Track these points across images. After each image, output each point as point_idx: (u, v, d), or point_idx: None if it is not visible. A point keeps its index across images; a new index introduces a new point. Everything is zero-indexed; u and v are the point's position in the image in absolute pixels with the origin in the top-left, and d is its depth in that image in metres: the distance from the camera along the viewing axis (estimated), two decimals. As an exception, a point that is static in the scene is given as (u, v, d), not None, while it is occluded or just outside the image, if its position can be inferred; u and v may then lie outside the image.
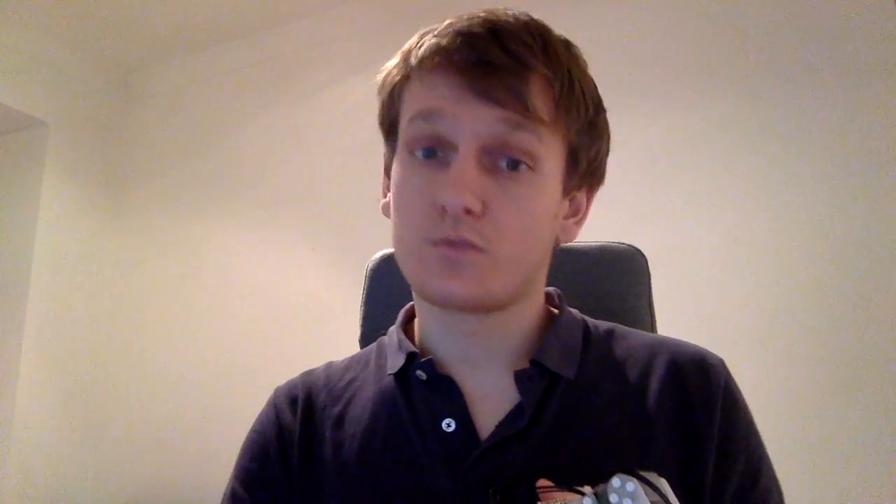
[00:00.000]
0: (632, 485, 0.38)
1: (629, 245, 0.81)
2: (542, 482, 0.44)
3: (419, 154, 0.52)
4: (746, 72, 1.71)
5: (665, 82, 1.80)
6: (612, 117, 0.59)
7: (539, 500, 0.43)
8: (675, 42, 1.81)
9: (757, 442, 0.54)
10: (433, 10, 0.55)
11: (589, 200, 0.61)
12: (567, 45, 0.54)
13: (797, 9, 1.68)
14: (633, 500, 0.38)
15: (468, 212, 0.48)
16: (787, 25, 1.68)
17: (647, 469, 0.41)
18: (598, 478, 0.40)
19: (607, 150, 0.59)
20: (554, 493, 0.42)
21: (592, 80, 0.56)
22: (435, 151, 0.52)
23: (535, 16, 0.53)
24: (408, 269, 0.54)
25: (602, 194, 0.62)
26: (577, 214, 0.60)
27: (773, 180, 1.63)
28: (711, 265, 1.65)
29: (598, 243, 0.81)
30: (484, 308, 0.53)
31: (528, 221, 0.52)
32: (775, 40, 1.69)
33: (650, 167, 1.76)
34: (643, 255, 0.80)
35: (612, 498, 0.38)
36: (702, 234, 1.67)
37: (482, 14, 0.52)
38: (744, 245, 1.63)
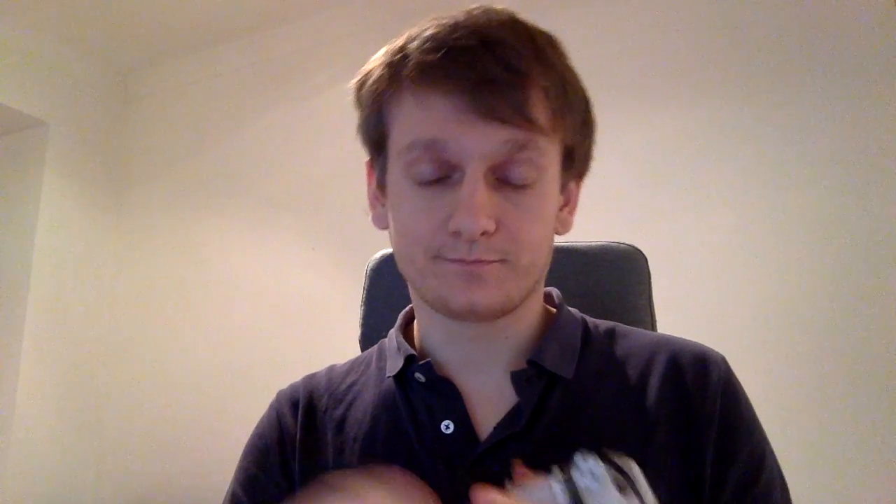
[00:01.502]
0: (592, 461, 0.39)
1: (629, 245, 0.81)
2: (517, 462, 0.45)
3: (419, 176, 0.51)
4: (746, 71, 1.71)
5: (664, 82, 1.79)
6: (611, 117, 0.59)
7: (512, 479, 0.44)
8: (674, 42, 1.81)
9: (760, 438, 0.54)
10: (433, 11, 0.54)
11: (578, 188, 0.61)
12: (552, 42, 0.53)
13: (796, 8, 1.68)
14: (594, 477, 0.39)
15: (483, 233, 0.49)
16: (786, 25, 1.68)
17: (638, 457, 0.42)
18: None
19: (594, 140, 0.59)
20: (525, 472, 0.44)
21: (577, 74, 0.55)
22: (436, 172, 0.51)
23: (534, 16, 0.53)
24: (425, 288, 0.54)
25: (602, 194, 0.62)
26: (569, 203, 0.60)
27: (773, 180, 1.63)
28: (711, 265, 1.65)
29: (598, 243, 0.81)
30: (503, 315, 0.53)
31: (540, 229, 0.52)
32: (775, 40, 1.69)
33: (650, 167, 1.76)
34: (643, 255, 0.80)
35: (575, 474, 0.39)
36: (702, 234, 1.67)
37: (464, 20, 0.50)
38: (744, 245, 1.63)
